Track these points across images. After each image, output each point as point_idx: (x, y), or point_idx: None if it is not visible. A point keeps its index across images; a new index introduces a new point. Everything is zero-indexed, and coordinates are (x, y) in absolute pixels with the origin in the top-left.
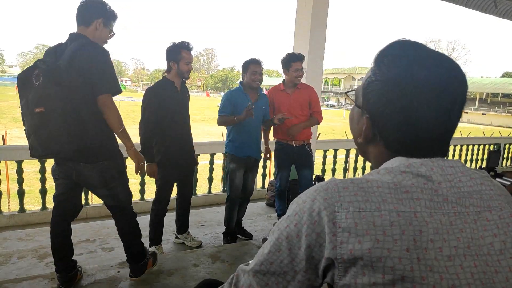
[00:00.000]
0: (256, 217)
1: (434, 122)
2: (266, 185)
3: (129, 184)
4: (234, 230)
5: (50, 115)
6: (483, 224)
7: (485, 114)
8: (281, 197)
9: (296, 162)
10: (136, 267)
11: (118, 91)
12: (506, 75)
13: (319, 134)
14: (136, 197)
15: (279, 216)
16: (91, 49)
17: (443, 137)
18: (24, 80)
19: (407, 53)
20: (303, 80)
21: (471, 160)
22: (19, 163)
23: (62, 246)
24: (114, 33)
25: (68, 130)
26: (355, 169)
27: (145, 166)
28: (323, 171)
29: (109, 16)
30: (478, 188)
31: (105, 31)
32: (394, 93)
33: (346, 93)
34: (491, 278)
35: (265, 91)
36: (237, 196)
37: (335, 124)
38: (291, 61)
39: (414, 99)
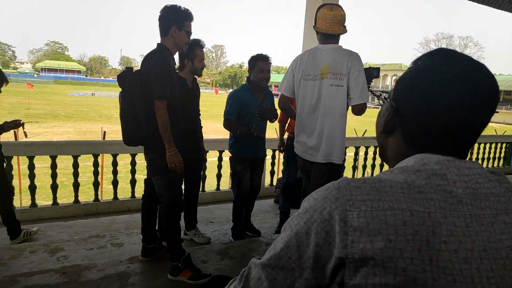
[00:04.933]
0: (264, 214)
1: (455, 115)
2: (274, 183)
3: (177, 184)
4: (242, 227)
5: (121, 110)
6: (501, 227)
7: (497, 112)
8: (286, 194)
9: None
10: (171, 266)
11: (165, 98)
12: None
13: None
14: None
15: (282, 213)
16: (153, 57)
17: (463, 136)
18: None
19: (443, 52)
20: None
21: (483, 159)
22: (31, 158)
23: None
24: (191, 32)
25: (126, 124)
26: (364, 167)
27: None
28: None
29: (182, 19)
30: (496, 190)
31: (181, 34)
32: (421, 81)
33: (382, 92)
34: (509, 282)
35: (273, 89)
36: (245, 197)
37: None
38: None
39: (439, 88)
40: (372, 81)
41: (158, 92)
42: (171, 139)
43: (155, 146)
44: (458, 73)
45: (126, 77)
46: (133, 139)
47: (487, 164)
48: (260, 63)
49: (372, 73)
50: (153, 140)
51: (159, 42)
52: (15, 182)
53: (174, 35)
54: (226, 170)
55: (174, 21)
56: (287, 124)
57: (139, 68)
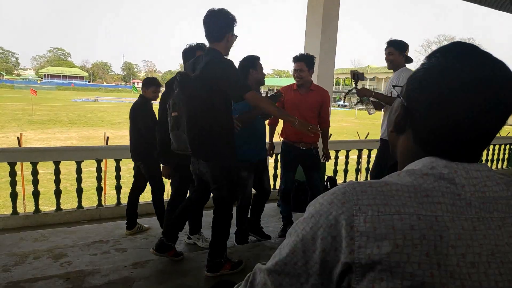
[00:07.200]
0: (268, 218)
1: (469, 117)
2: (277, 186)
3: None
4: (245, 230)
5: (180, 119)
6: (509, 231)
7: None
8: (286, 199)
9: (303, 164)
10: (211, 263)
11: (249, 90)
12: None
13: (331, 134)
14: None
15: (284, 218)
16: (221, 65)
17: (477, 139)
18: (168, 88)
19: (460, 48)
20: (314, 80)
21: (486, 161)
22: (34, 164)
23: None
24: (237, 36)
25: (189, 132)
26: (367, 169)
27: (161, 166)
28: (335, 172)
29: (233, 25)
30: (504, 193)
31: (233, 39)
32: (433, 80)
33: (394, 86)
34: None
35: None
36: (249, 203)
37: (347, 124)
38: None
39: (452, 89)
40: (357, 84)
41: (240, 91)
42: (285, 113)
43: (215, 153)
44: (473, 72)
45: (189, 84)
46: (198, 150)
47: (491, 166)
48: (259, 62)
49: (360, 77)
50: (217, 148)
51: (209, 46)
52: (18, 188)
53: (229, 39)
54: None
55: (229, 27)
56: (281, 129)
57: (197, 73)
